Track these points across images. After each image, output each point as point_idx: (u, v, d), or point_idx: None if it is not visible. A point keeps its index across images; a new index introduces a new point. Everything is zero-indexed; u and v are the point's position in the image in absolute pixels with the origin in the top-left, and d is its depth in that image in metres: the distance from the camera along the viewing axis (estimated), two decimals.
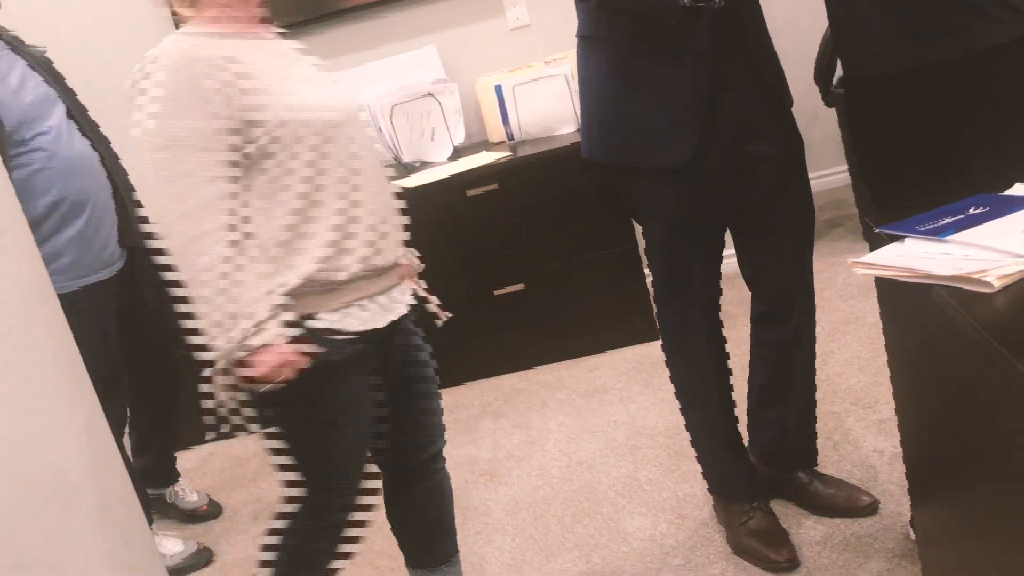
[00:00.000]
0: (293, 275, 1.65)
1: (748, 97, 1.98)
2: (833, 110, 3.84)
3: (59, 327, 1.80)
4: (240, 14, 1.72)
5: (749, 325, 2.27)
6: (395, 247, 1.79)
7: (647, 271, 3.00)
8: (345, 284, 1.70)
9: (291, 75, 1.71)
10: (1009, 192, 1.58)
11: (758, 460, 2.35)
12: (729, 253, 2.24)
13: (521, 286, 3.49)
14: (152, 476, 3.02)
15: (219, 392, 1.66)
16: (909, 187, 1.88)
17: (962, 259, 1.37)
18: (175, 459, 3.09)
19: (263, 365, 1.60)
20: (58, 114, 2.47)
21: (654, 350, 3.38)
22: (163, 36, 1.65)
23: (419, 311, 1.92)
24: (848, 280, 3.46)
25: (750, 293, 2.23)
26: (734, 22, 1.91)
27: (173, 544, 2.82)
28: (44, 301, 1.76)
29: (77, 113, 2.53)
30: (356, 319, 1.72)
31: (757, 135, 2.02)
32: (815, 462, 2.35)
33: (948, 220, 1.50)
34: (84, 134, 2.53)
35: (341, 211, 1.68)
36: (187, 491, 3.09)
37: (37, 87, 2.46)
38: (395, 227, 1.79)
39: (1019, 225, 1.40)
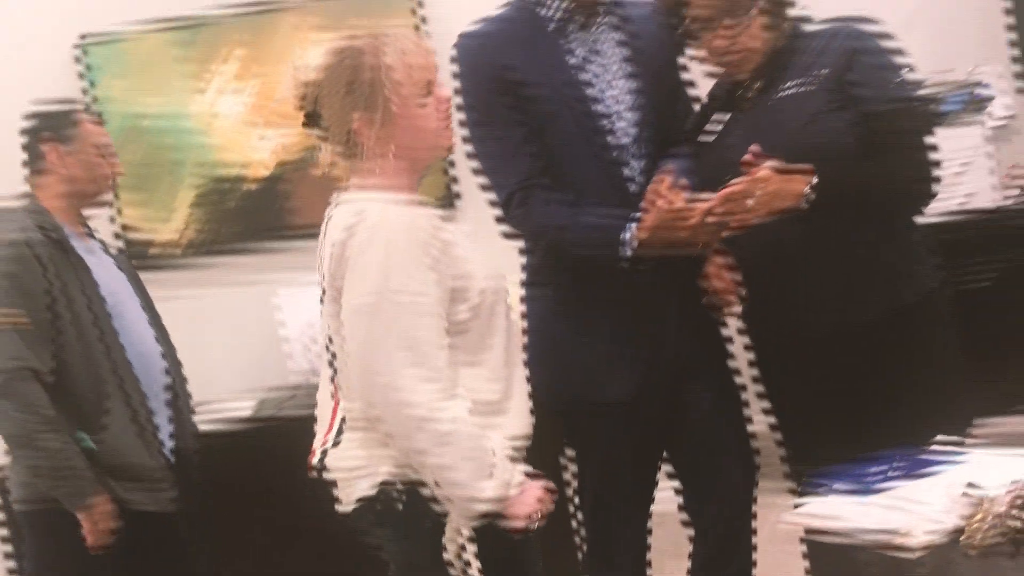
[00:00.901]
0: (503, 431, 1.65)
1: (688, 339, 2.04)
2: None
3: None
4: (413, 178, 1.73)
5: (688, 571, 2.22)
6: None
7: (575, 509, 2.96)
8: (522, 448, 1.71)
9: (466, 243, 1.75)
10: (930, 447, 1.62)
11: None
12: (665, 496, 2.23)
13: None
14: None
15: (469, 557, 1.60)
16: (824, 443, 1.93)
17: (886, 513, 1.38)
18: None
19: (524, 508, 1.59)
20: (135, 310, 2.51)
21: None
22: None
23: None
24: (774, 525, 3.43)
25: (692, 535, 2.20)
26: (673, 271, 2.00)
27: None
28: None
29: (147, 310, 2.56)
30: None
31: (695, 376, 2.06)
32: None
33: (873, 473, 1.52)
34: (152, 330, 2.54)
35: (524, 376, 1.75)
36: None
37: (118, 282, 2.50)
38: None
39: (941, 480, 1.43)
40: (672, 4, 1.91)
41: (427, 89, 1.66)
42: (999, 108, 4.41)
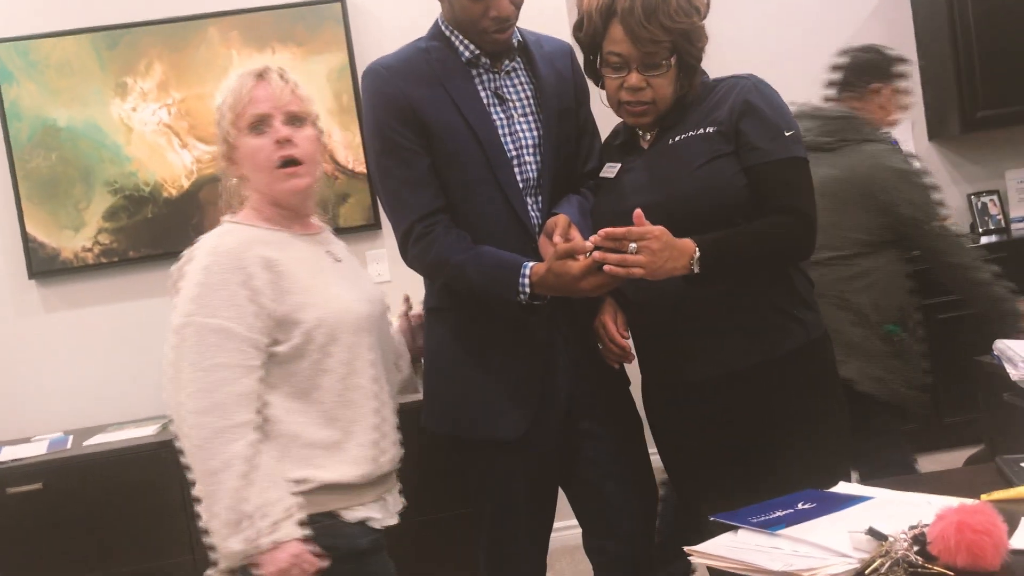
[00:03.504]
0: (326, 473, 1.66)
1: (581, 377, 2.04)
2: None
3: None
4: (276, 212, 1.76)
5: None
6: (397, 445, 1.82)
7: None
8: (370, 483, 1.72)
9: (331, 274, 1.74)
10: (835, 490, 1.65)
11: None
12: (562, 525, 2.22)
13: None
14: None
15: None
16: (708, 488, 1.95)
17: (792, 555, 1.39)
18: None
19: (274, 564, 1.57)
20: None
21: None
22: None
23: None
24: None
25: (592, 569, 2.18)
26: (569, 311, 2.00)
27: None
28: None
29: None
30: (376, 514, 1.75)
31: (589, 413, 2.06)
32: None
33: (779, 513, 1.54)
34: None
35: (375, 411, 1.73)
36: None
37: None
38: (395, 424, 1.82)
39: (844, 524, 1.45)
40: (589, 39, 1.92)
41: (259, 121, 1.71)
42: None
